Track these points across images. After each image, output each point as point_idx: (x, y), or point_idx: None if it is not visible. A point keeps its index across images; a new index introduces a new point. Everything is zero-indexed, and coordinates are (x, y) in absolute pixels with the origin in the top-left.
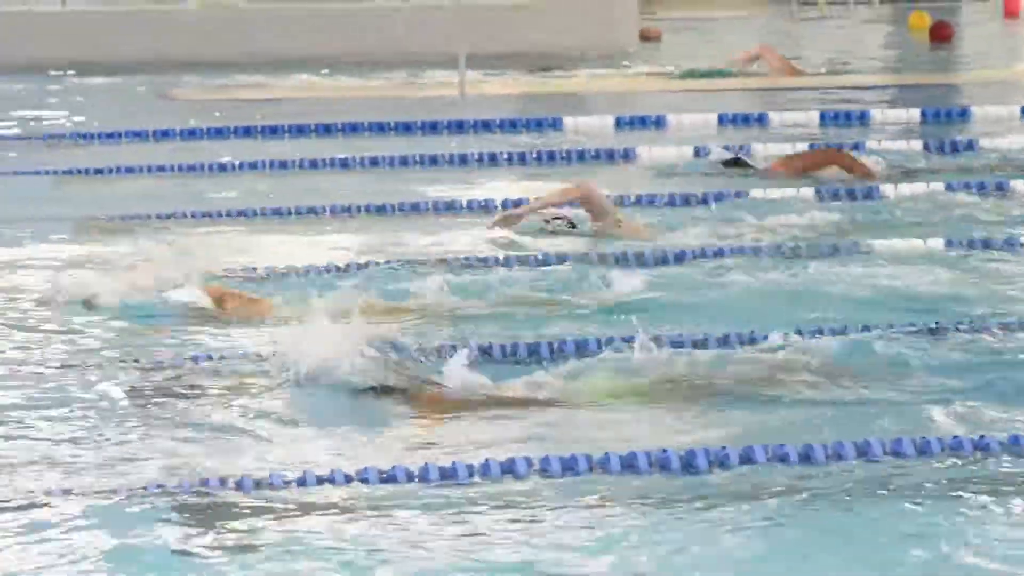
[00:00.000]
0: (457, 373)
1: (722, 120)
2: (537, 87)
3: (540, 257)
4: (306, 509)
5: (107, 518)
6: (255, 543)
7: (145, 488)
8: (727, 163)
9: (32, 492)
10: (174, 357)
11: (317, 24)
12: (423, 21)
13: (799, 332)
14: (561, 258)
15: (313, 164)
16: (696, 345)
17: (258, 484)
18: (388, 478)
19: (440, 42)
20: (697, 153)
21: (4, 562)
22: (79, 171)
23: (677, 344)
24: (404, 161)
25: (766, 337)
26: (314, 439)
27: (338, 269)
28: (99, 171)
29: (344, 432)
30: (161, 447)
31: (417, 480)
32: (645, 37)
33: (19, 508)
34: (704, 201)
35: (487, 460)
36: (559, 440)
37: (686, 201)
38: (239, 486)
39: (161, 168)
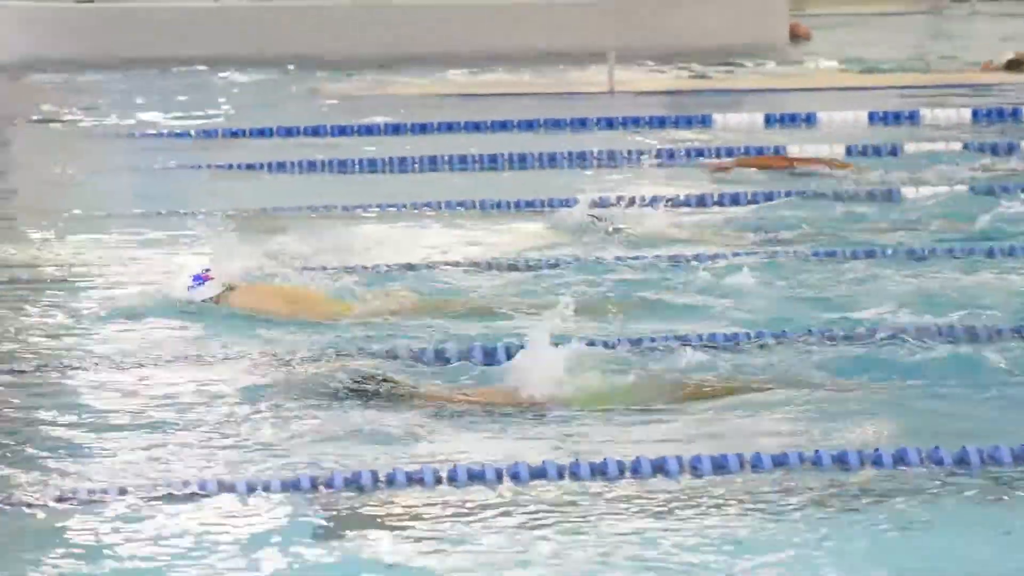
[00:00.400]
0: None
1: (872, 118)
2: (686, 83)
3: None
4: (455, 504)
5: (259, 510)
6: (407, 537)
7: (297, 482)
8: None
9: (188, 484)
10: (320, 351)
11: (467, 20)
12: (572, 17)
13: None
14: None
15: (462, 160)
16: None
17: (409, 479)
18: (537, 473)
19: (589, 38)
20: (848, 151)
21: (162, 551)
22: (230, 166)
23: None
24: (552, 158)
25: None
26: (460, 435)
27: (476, 266)
28: (250, 166)
29: (490, 429)
30: (312, 441)
31: (568, 476)
32: (794, 35)
33: (175, 499)
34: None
35: (638, 458)
36: (692, 438)
37: (838, 198)
38: (390, 481)
39: (312, 164)
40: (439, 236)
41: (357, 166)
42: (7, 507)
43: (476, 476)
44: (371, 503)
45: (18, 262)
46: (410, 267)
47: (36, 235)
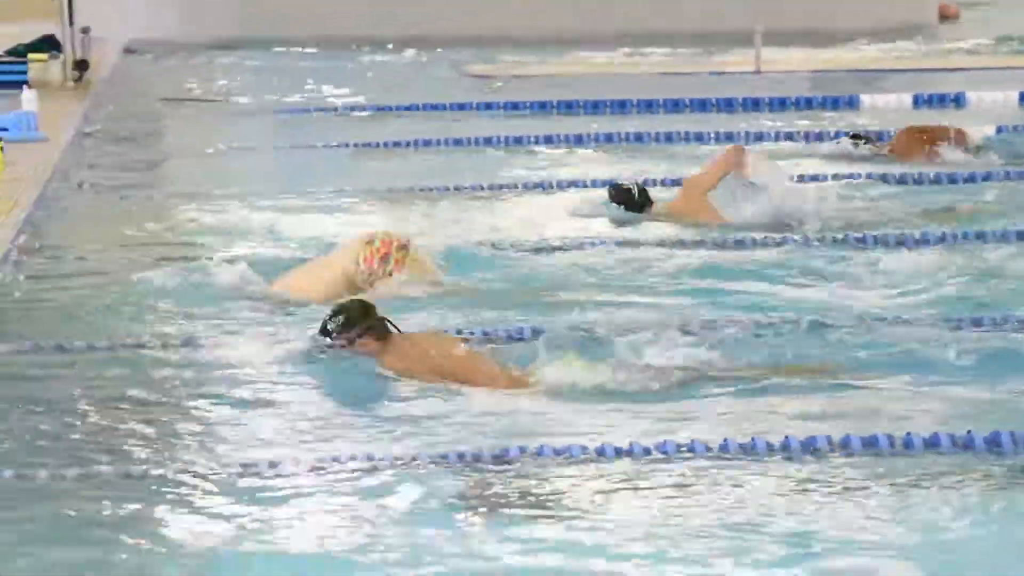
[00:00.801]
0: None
1: (1023, 98)
2: (834, 64)
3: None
4: (604, 479)
5: (408, 483)
6: (553, 512)
7: (445, 455)
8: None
9: (338, 459)
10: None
11: (613, 1)
12: None
13: None
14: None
15: (608, 139)
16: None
17: (557, 453)
18: (689, 449)
19: (736, 18)
20: (999, 131)
21: (314, 523)
22: (377, 144)
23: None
24: (699, 137)
25: None
26: (607, 411)
27: (626, 245)
28: (396, 144)
29: (633, 405)
30: (460, 417)
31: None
32: (944, 15)
33: (326, 473)
34: (1008, 176)
35: (787, 437)
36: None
37: (987, 178)
38: (538, 453)
39: (457, 141)
40: (582, 215)
41: (502, 143)
42: (178, 476)
43: (624, 452)
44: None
45: (165, 240)
46: (556, 248)
47: (182, 213)
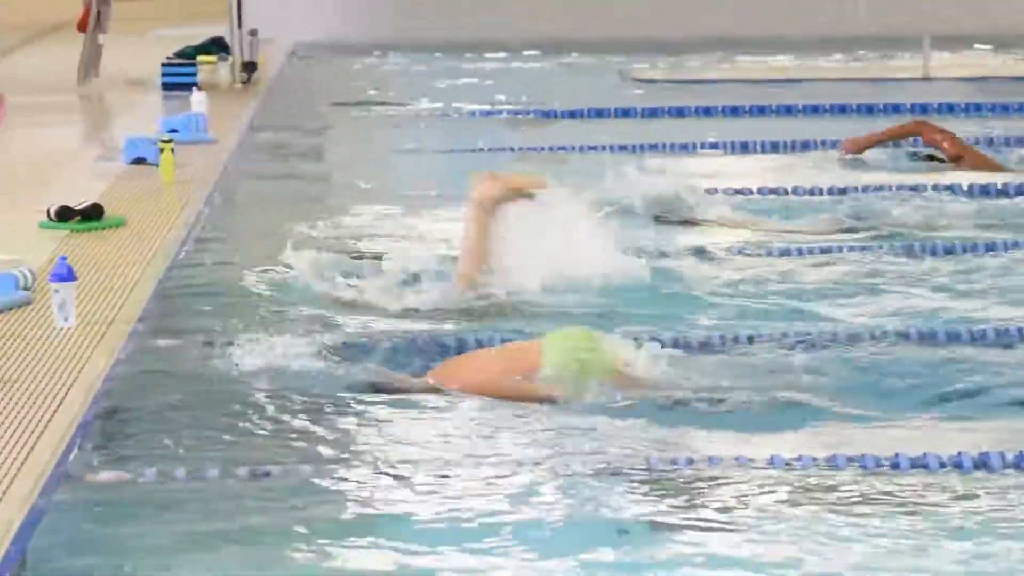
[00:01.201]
0: None
1: None
2: (1004, 69)
3: None
4: (785, 490)
5: (591, 493)
6: (732, 522)
7: (631, 466)
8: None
9: (520, 464)
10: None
11: (784, 4)
12: (886, 1)
13: None
14: None
15: (774, 147)
16: None
17: (737, 460)
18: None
19: (903, 22)
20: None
21: (482, 530)
22: (540, 148)
23: None
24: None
25: None
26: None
27: (786, 255)
28: (561, 148)
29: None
30: (641, 424)
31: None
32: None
33: (499, 477)
34: None
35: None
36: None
37: None
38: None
39: (622, 147)
40: (744, 224)
41: (668, 149)
42: (351, 469)
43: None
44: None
45: (333, 243)
46: (710, 256)
47: (350, 216)
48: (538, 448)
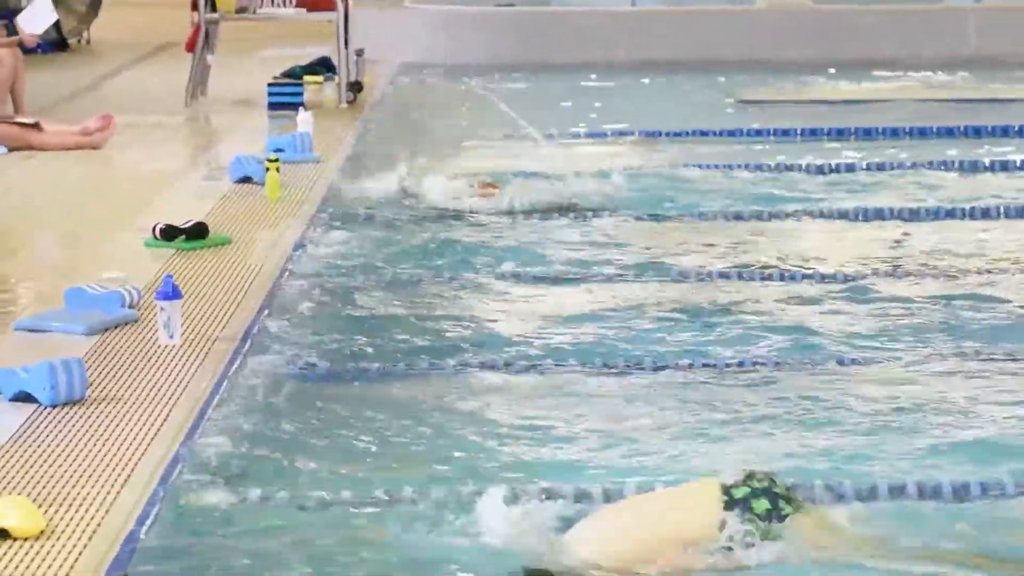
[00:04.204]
0: None
1: None
2: None
3: None
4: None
5: None
6: None
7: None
8: None
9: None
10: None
11: (886, 25)
12: (999, 21)
13: None
14: None
15: (880, 167)
16: None
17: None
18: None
19: (1016, 43)
20: None
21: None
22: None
23: None
24: (974, 166)
25: None
26: None
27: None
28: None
29: None
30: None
31: None
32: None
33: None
34: None
35: None
36: None
37: None
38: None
39: (728, 167)
40: (878, 243)
41: (775, 170)
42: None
43: None
44: None
45: (439, 261)
46: (847, 277)
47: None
48: None
